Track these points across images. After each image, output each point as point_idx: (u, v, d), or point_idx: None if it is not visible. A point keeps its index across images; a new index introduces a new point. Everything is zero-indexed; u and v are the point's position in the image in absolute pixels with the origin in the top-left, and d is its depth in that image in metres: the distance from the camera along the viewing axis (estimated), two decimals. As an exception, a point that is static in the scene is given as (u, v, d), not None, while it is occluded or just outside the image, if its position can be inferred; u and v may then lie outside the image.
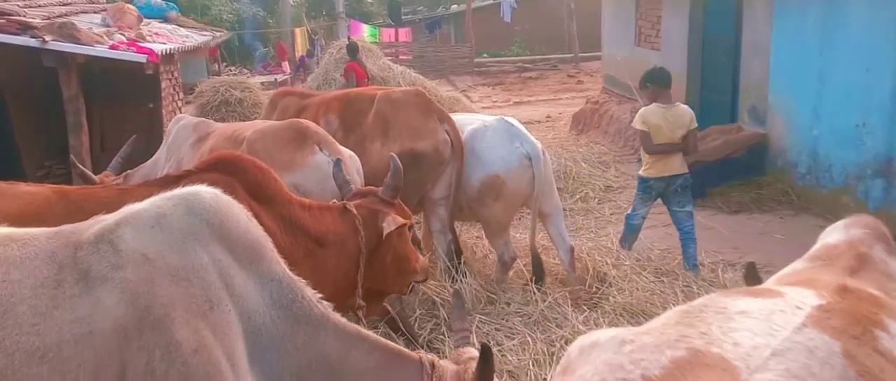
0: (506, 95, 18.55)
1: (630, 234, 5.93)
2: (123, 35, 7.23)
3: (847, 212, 6.93)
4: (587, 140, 11.48)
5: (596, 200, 8.33)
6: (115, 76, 8.66)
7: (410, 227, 3.43)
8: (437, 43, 25.98)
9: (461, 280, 4.87)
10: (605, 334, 1.74)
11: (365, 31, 24.54)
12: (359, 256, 3.18)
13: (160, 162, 4.94)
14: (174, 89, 10.82)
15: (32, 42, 6.36)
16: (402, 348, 2.43)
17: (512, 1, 24.45)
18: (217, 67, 22.35)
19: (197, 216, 2.12)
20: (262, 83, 18.30)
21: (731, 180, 8.04)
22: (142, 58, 6.56)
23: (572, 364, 1.72)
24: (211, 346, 1.96)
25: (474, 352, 2.41)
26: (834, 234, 2.17)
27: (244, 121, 9.71)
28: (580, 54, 22.84)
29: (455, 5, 28.52)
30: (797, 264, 2.15)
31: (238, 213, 2.22)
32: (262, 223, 2.43)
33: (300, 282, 2.25)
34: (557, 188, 8.53)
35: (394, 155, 3.66)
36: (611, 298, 4.80)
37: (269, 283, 2.18)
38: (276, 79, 19.49)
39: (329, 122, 5.31)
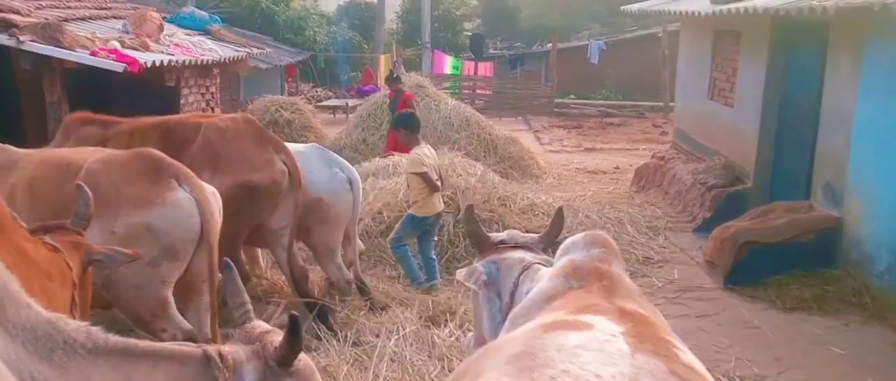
0: (578, 140, 17.38)
1: (413, 270, 6.27)
2: (118, 43, 6.78)
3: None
4: (643, 200, 10.24)
5: (628, 273, 7.14)
6: (134, 86, 8.35)
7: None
8: (518, 80, 24.98)
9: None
10: None
11: (448, 63, 23.99)
12: (73, 291, 2.86)
13: None
14: (208, 105, 10.46)
15: (7, 41, 5.97)
16: (182, 347, 2.15)
17: (600, 43, 23.31)
18: (295, 85, 22.37)
19: None
20: (332, 106, 17.94)
21: (793, 270, 6.68)
22: (119, 66, 6.07)
23: None
24: None
25: (264, 325, 2.29)
26: (576, 251, 2.36)
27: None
28: (671, 104, 21.34)
29: (551, 44, 27.61)
30: (551, 283, 2.34)
31: None
32: None
33: (59, 320, 1.92)
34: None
35: (81, 183, 3.22)
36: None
37: (21, 334, 1.83)
38: (347, 102, 19.10)
39: None
